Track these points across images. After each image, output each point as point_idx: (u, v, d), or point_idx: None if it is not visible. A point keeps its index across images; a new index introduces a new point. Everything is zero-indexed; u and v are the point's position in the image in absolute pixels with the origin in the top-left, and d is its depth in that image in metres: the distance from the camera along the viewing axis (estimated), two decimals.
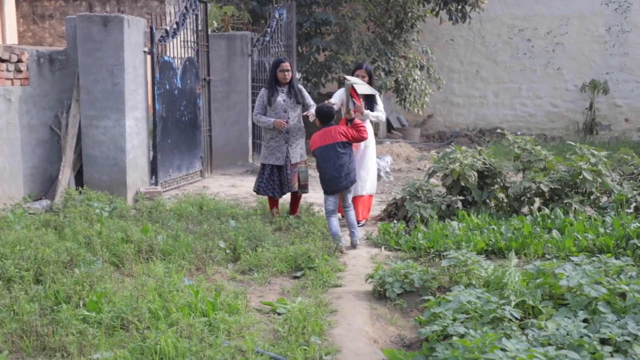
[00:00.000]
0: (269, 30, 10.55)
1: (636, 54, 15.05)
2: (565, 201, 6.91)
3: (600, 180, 6.88)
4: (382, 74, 13.06)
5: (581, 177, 6.93)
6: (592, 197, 6.98)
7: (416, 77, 13.35)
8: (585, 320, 3.70)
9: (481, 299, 3.92)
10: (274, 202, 7.20)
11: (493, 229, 6.40)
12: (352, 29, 12.43)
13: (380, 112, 7.19)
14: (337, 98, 7.14)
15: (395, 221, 7.01)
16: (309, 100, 7.13)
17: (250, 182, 9.86)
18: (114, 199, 7.73)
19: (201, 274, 5.56)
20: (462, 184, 7.20)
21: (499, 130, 13.12)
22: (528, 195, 7.19)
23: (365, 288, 5.10)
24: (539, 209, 6.99)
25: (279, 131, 6.95)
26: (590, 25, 15.29)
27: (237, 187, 9.38)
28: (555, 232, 5.93)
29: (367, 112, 7.05)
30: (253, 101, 11.33)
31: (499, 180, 7.39)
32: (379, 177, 10.44)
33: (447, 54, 16.23)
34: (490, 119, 16.20)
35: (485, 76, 16.13)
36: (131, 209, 7.68)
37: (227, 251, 5.96)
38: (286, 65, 6.99)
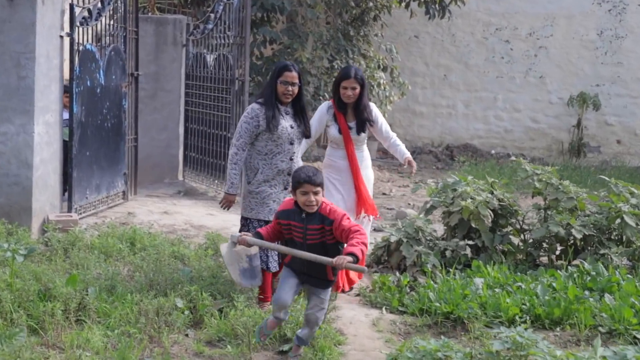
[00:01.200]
0: (213, 15, 9.87)
1: (631, 65, 15.23)
2: (602, 252, 6.60)
3: None
4: None
5: (619, 221, 6.64)
6: (631, 247, 6.69)
7: (381, 80, 12.97)
8: None
9: None
10: (267, 278, 5.56)
11: (520, 287, 6.00)
12: (310, 19, 11.91)
13: (394, 137, 6.62)
14: (315, 124, 6.22)
15: (396, 272, 6.50)
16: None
17: (186, 207, 9.14)
18: (13, 229, 6.88)
19: (156, 347, 4.86)
20: (472, 225, 6.79)
21: (496, 151, 12.87)
22: (549, 242, 6.86)
23: None
24: (568, 261, 6.65)
25: (277, 169, 5.58)
26: (579, 28, 15.39)
27: (171, 215, 8.64)
28: (607, 297, 5.57)
29: (406, 152, 6.61)
30: (187, 102, 10.62)
31: (514, 221, 7.02)
32: None
33: (410, 54, 15.96)
34: (459, 133, 16.02)
35: (455, 82, 15.96)
36: (38, 244, 6.85)
37: (186, 312, 5.29)
38: (293, 75, 5.53)
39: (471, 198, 6.76)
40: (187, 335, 5.12)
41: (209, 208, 9.26)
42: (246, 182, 5.66)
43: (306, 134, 5.73)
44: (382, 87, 13.19)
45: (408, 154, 6.44)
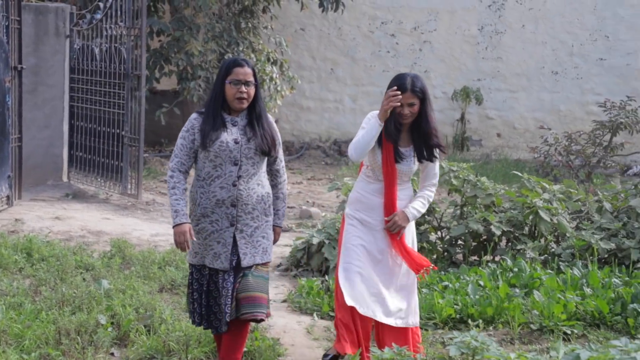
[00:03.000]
0: (102, 4, 9.36)
1: (510, 60, 15.79)
2: (518, 247, 6.74)
3: (556, 221, 6.80)
4: None
5: (532, 217, 6.80)
6: (544, 241, 6.88)
7: (274, 75, 12.81)
8: None
9: None
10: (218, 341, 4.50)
11: (447, 286, 6.02)
12: (200, 10, 11.55)
13: (430, 192, 4.80)
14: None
15: (317, 275, 6.37)
16: (280, 147, 4.47)
17: (79, 211, 8.64)
18: None
19: None
20: None
21: None
22: (465, 239, 6.94)
23: None
24: (480, 256, 6.76)
25: (215, 199, 4.26)
26: (462, 23, 15.79)
27: (64, 221, 8.13)
28: (537, 294, 5.67)
29: (408, 210, 4.66)
30: (72, 98, 10.04)
31: (431, 218, 7.06)
32: None
33: (297, 47, 15.84)
34: (346, 127, 16.08)
35: (342, 76, 16.01)
36: None
37: (109, 328, 4.94)
38: (246, 72, 4.25)
39: None
40: (112, 354, 4.78)
41: (104, 212, 8.81)
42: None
43: (264, 149, 4.30)
44: (274, 82, 13.02)
45: (408, 210, 4.63)
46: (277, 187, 4.46)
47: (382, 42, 15.91)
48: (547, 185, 7.16)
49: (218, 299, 4.25)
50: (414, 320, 4.68)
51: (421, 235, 6.88)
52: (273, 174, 4.46)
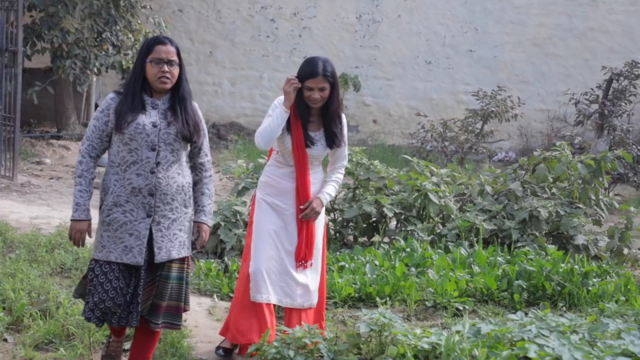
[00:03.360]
0: None
1: (387, 48, 16.15)
2: (409, 229, 6.95)
3: (443, 203, 7.06)
4: (111, 48, 11.97)
5: (422, 199, 7.03)
6: (432, 222, 7.12)
7: None
8: None
9: None
10: (118, 334, 4.21)
11: (344, 266, 6.13)
12: None
13: (340, 174, 4.84)
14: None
15: (211, 257, 6.32)
16: (205, 139, 4.13)
17: None
18: None
19: None
20: None
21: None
22: (356, 221, 7.08)
23: None
24: (383, 238, 6.93)
25: (130, 187, 3.89)
26: (340, 11, 15.99)
27: None
28: (431, 273, 5.87)
29: (323, 196, 4.68)
30: None
31: None
32: None
33: (175, 29, 15.54)
34: (225, 111, 15.97)
35: (221, 59, 15.86)
36: None
37: (0, 314, 4.71)
38: (169, 50, 3.93)
39: None
40: (5, 340, 4.56)
41: None
42: (99, 210, 3.99)
43: (185, 135, 3.96)
44: None
45: (323, 196, 4.65)
46: (202, 182, 4.11)
47: (262, 26, 15.87)
48: (434, 169, 7.41)
49: (128, 295, 3.91)
50: (318, 300, 4.73)
51: None
52: (197, 168, 4.10)
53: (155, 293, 3.99)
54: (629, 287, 5.97)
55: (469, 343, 4.08)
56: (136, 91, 3.95)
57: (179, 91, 4.01)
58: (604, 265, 6.51)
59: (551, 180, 7.45)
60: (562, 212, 7.01)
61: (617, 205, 7.65)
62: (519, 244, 6.80)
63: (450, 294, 5.64)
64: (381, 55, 16.17)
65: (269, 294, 4.51)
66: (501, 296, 5.78)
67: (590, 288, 5.79)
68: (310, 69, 4.48)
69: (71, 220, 3.93)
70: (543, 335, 4.12)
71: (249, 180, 6.99)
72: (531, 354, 3.92)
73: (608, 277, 6.14)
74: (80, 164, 3.93)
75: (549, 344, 3.90)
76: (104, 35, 11.74)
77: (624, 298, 5.82)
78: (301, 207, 4.59)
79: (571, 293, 5.78)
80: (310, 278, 4.68)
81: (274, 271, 4.55)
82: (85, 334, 4.52)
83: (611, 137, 11.61)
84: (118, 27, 12.05)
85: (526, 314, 5.13)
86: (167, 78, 3.93)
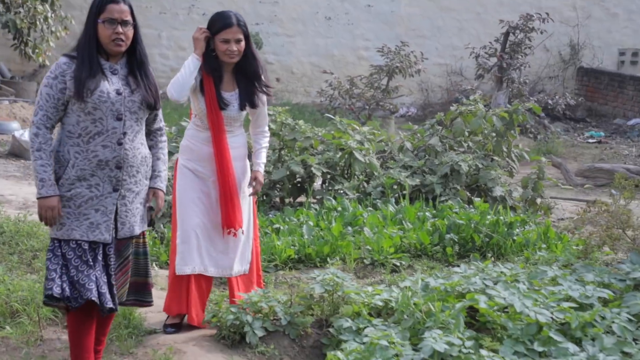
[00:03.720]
0: None
1: (286, 4, 16.11)
2: (336, 188, 7.09)
3: (367, 161, 7.23)
4: (1, 7, 11.43)
5: (347, 158, 7.17)
6: (356, 181, 7.29)
7: (47, 14, 12.04)
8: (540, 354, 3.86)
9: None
10: (86, 327, 3.81)
11: (279, 228, 6.22)
12: None
13: (266, 137, 4.72)
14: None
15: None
16: (159, 110, 3.91)
17: None
18: None
19: None
20: None
21: (163, 91, 12.73)
22: (282, 182, 7.17)
23: (203, 332, 4.45)
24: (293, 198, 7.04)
25: (96, 159, 3.66)
26: None
27: None
28: (367, 231, 6.04)
29: (261, 169, 4.62)
30: None
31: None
32: None
33: None
34: None
35: None
36: None
37: None
38: (122, 9, 3.68)
39: None
40: None
41: None
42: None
43: (149, 102, 3.75)
44: (47, 22, 12.26)
45: (261, 168, 4.60)
46: (158, 146, 3.93)
47: None
48: (357, 127, 7.55)
49: (96, 274, 3.65)
50: (255, 265, 4.69)
51: None
52: (153, 134, 3.91)
53: (134, 271, 3.83)
54: (548, 234, 6.33)
55: (420, 298, 4.27)
56: (92, 55, 3.66)
57: (136, 54, 3.76)
58: (520, 215, 6.86)
59: (467, 134, 7.73)
60: (480, 165, 7.31)
61: (527, 157, 8.05)
62: (442, 198, 7.06)
63: (386, 250, 5.84)
64: (281, 12, 16.14)
65: (193, 265, 4.43)
66: (434, 250, 6.03)
67: (515, 238, 6.12)
68: (224, 21, 4.32)
69: (39, 198, 3.61)
70: (487, 286, 4.36)
71: (173, 144, 6.93)
72: (481, 305, 4.15)
73: (527, 227, 6.49)
74: (36, 136, 3.62)
75: (500, 294, 4.14)
76: None
77: (544, 245, 6.17)
78: (248, 187, 4.53)
79: (498, 243, 6.09)
80: (241, 245, 4.58)
81: (200, 240, 4.45)
82: (32, 310, 4.43)
83: (510, 89, 12.10)
84: None
85: (458, 265, 5.41)
86: (122, 40, 3.66)
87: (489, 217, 6.24)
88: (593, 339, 3.99)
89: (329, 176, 7.21)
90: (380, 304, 4.42)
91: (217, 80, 4.37)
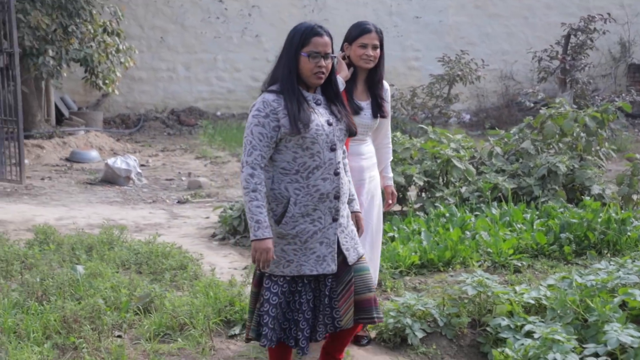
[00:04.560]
0: None
1: (336, 21, 16.30)
2: (437, 195, 7.26)
3: (464, 167, 7.40)
4: (77, 43, 11.76)
5: (444, 165, 7.35)
6: (456, 188, 7.46)
7: (119, 45, 12.38)
8: None
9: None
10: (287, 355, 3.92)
11: (393, 237, 6.40)
12: None
13: (390, 150, 4.84)
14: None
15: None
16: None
17: None
18: None
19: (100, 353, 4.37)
20: None
21: (221, 112, 13.03)
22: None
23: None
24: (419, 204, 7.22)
25: (318, 193, 3.68)
26: None
27: None
28: (484, 234, 6.20)
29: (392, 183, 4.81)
30: None
31: None
32: (130, 179, 9.48)
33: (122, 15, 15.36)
34: (182, 96, 15.92)
35: (173, 44, 15.77)
36: None
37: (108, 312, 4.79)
38: (326, 42, 3.72)
39: None
40: (119, 336, 4.65)
41: None
42: (272, 223, 3.67)
43: (351, 131, 3.82)
44: (117, 53, 12.60)
45: (391, 181, 4.75)
46: (345, 169, 3.92)
47: (211, 8, 15.84)
48: (450, 136, 7.73)
49: (320, 308, 3.72)
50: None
51: None
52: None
53: (355, 289, 3.76)
54: None
55: (575, 294, 4.43)
56: (297, 88, 3.67)
57: (331, 84, 3.78)
58: (623, 211, 6.99)
59: (557, 136, 7.87)
60: (575, 166, 7.45)
61: (614, 155, 8.18)
62: (542, 199, 7.21)
63: (505, 252, 6.00)
64: (331, 28, 16.01)
65: None
66: (550, 249, 6.17)
67: (629, 233, 6.24)
68: (362, 27, 4.42)
69: (254, 240, 3.57)
70: (638, 280, 4.51)
71: None
72: (638, 298, 4.29)
73: (635, 222, 6.61)
74: (251, 176, 3.59)
75: None
76: (69, 29, 11.52)
77: None
78: (388, 203, 4.66)
79: (611, 240, 6.22)
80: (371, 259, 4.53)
81: None
82: (198, 322, 4.65)
83: (574, 90, 12.21)
84: (79, 20, 11.86)
85: (577, 263, 5.54)
86: (324, 73, 3.69)
87: (600, 214, 6.37)
88: None
89: (427, 184, 7.38)
90: (532, 302, 4.59)
91: (351, 88, 4.42)
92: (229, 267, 6.04)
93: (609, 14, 12.44)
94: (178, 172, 10.81)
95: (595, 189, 7.36)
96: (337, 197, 3.71)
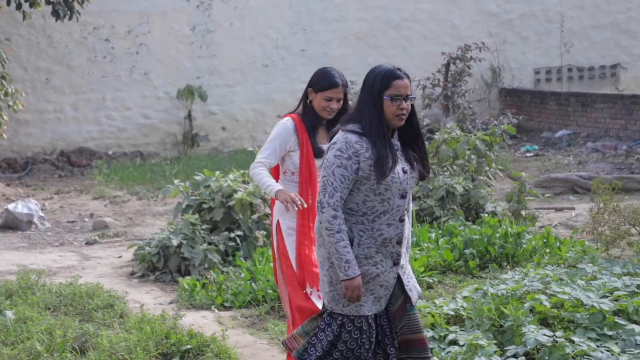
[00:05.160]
0: None
1: (224, 56, 16.63)
2: None
3: None
4: None
5: None
6: None
7: (8, 89, 12.19)
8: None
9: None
10: None
11: None
12: None
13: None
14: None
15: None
16: None
17: None
18: None
19: None
20: (234, 217, 7.25)
21: (113, 151, 13.00)
22: None
23: None
24: None
25: (382, 238, 3.72)
26: (174, 24, 16.25)
27: None
28: None
29: None
30: None
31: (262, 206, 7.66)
32: (32, 224, 9.37)
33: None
34: (71, 137, 15.72)
35: (59, 85, 15.59)
36: None
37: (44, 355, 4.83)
38: (406, 84, 3.72)
39: (234, 191, 7.19)
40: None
41: None
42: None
43: (424, 177, 3.86)
44: (7, 96, 12.40)
45: None
46: (408, 214, 3.96)
47: (97, 47, 15.77)
48: None
49: (380, 344, 3.78)
50: None
51: (257, 224, 7.48)
52: None
53: (405, 329, 3.83)
54: (548, 240, 7.04)
55: (489, 304, 4.85)
56: (386, 133, 3.67)
57: (413, 126, 3.79)
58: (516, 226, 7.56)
59: (451, 159, 8.42)
60: (470, 186, 8.01)
61: (501, 174, 8.82)
62: (443, 219, 7.70)
63: (417, 270, 6.40)
64: (220, 64, 16.63)
65: None
66: (457, 265, 6.63)
67: (524, 246, 6.79)
68: (330, 80, 4.51)
69: (345, 280, 3.63)
70: (546, 287, 4.98)
71: (193, 197, 7.35)
72: (544, 303, 4.76)
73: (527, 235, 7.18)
74: (335, 218, 3.62)
75: (564, 291, 4.77)
76: None
77: (548, 250, 6.87)
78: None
79: (509, 253, 6.75)
80: None
81: None
82: (138, 356, 4.77)
83: (456, 115, 12.96)
84: None
85: (481, 277, 6.03)
86: (404, 115, 3.70)
87: (498, 230, 6.90)
88: None
89: None
90: (452, 313, 4.98)
91: (312, 134, 4.58)
92: (154, 303, 6.17)
93: (482, 43, 13.32)
94: (79, 214, 10.72)
95: (489, 207, 7.93)
96: (399, 243, 3.75)
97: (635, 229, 6.03)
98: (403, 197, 3.73)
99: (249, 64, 16.83)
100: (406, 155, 3.77)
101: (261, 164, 4.51)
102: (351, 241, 3.69)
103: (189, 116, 16.07)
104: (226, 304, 6.09)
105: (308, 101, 4.62)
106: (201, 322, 5.71)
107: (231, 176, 7.52)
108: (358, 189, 3.68)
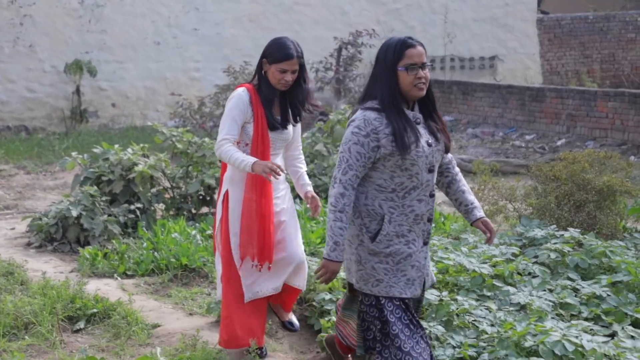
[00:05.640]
0: None
1: (115, 32, 16.45)
2: None
3: None
4: None
5: None
6: None
7: None
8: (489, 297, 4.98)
9: None
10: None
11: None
12: None
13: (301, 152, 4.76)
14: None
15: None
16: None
17: None
18: None
19: None
20: (134, 190, 7.37)
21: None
22: (192, 195, 7.84)
23: None
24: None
25: (413, 214, 3.65)
26: None
27: None
28: None
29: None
30: None
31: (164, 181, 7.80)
32: None
33: None
34: None
35: None
36: None
37: None
38: (421, 53, 3.59)
39: (134, 164, 7.31)
40: None
41: None
42: (364, 239, 3.63)
43: (448, 149, 3.73)
44: None
45: (311, 188, 4.61)
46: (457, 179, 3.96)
47: None
48: None
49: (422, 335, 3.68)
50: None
51: (157, 197, 7.63)
52: (445, 171, 3.93)
53: None
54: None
55: None
56: (400, 107, 3.55)
57: (429, 95, 3.65)
58: None
59: None
60: None
61: None
62: None
63: (314, 241, 6.73)
64: (110, 39, 16.43)
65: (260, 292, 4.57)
66: None
67: None
68: (284, 52, 4.31)
69: (326, 259, 3.57)
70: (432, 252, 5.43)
71: (92, 170, 7.41)
72: (432, 268, 5.20)
73: None
74: (342, 196, 3.54)
75: (449, 257, 5.22)
76: None
77: (433, 225, 7.36)
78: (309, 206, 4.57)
79: None
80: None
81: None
82: (44, 320, 4.88)
83: (347, 98, 13.42)
84: None
85: None
86: (424, 83, 3.56)
87: None
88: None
89: None
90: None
91: (268, 105, 4.41)
92: (55, 272, 6.23)
93: (373, 30, 13.82)
94: None
95: None
96: (429, 220, 3.69)
97: (511, 204, 6.59)
98: (431, 171, 3.63)
99: (140, 40, 16.71)
100: (429, 128, 3.66)
101: (226, 140, 4.30)
102: (382, 218, 3.60)
103: (78, 91, 15.83)
104: (129, 272, 6.23)
105: (263, 72, 4.43)
106: (105, 289, 5.83)
107: (130, 149, 7.62)
108: (383, 165, 3.58)
